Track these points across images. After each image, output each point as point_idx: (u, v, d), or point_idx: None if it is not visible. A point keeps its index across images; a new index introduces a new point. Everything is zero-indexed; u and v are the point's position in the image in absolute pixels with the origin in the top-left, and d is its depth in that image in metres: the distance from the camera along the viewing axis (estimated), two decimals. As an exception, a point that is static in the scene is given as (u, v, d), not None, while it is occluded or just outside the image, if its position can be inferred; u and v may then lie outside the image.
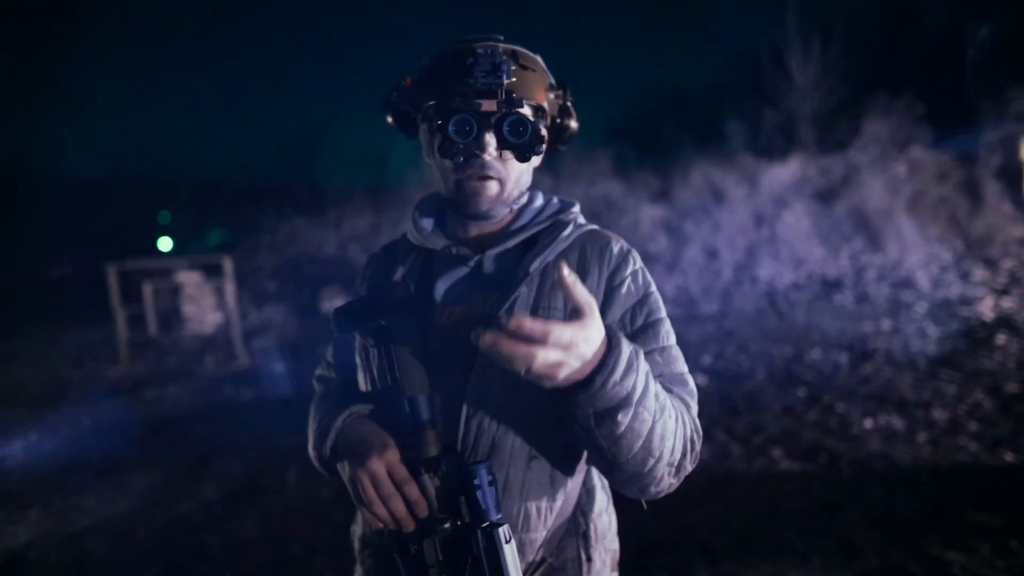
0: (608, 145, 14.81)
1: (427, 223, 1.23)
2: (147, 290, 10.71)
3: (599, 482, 1.18)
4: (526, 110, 1.08)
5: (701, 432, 1.05)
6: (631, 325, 1.10)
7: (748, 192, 11.80)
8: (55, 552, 3.73)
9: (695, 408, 1.08)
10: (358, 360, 1.21)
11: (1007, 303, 7.64)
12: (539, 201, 1.23)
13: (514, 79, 1.05)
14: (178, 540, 3.80)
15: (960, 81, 13.19)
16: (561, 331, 0.79)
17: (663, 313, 1.13)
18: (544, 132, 1.10)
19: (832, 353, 6.85)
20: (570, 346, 0.80)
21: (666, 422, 0.94)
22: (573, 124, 1.21)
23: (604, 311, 1.10)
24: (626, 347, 0.88)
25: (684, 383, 1.09)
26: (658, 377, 1.04)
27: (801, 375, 6.26)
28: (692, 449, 1.01)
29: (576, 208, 1.22)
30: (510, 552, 0.92)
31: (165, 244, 23.14)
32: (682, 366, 1.10)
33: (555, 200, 1.25)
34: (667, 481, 0.99)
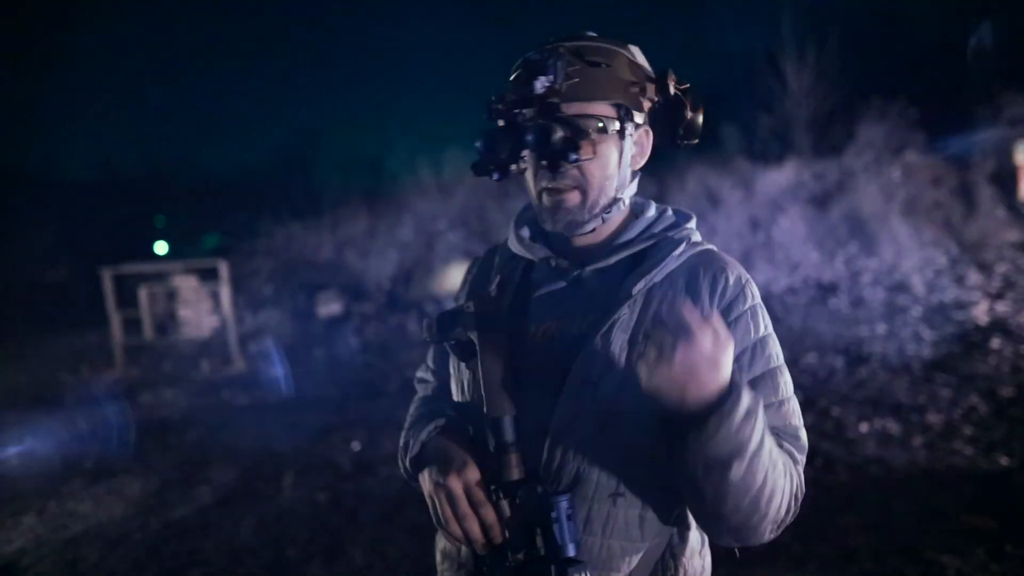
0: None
1: (525, 231, 1.17)
2: (143, 294, 10.68)
3: (693, 521, 1.07)
4: (594, 108, 1.01)
5: (804, 488, 1.00)
6: (748, 370, 1.01)
7: (743, 196, 11.83)
8: (49, 558, 3.71)
9: (802, 463, 1.01)
10: (451, 370, 1.17)
11: (1001, 307, 7.67)
12: (651, 212, 1.15)
13: (574, 79, 0.98)
14: (173, 545, 3.79)
15: (954, 86, 13.25)
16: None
17: (782, 359, 1.05)
18: (612, 129, 1.03)
19: (827, 357, 6.86)
20: (720, 344, 0.82)
21: (777, 479, 0.89)
22: (689, 114, 1.10)
23: None
24: (747, 394, 0.84)
25: (797, 438, 1.02)
26: (772, 430, 0.97)
27: (797, 379, 6.19)
28: (795, 506, 0.97)
29: (691, 224, 1.13)
30: None
31: (161, 248, 23.06)
32: (798, 419, 1.03)
33: (670, 212, 1.16)
34: (767, 537, 0.95)
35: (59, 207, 21.64)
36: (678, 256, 1.06)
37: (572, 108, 0.99)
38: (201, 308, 11.40)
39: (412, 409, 1.22)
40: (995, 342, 6.63)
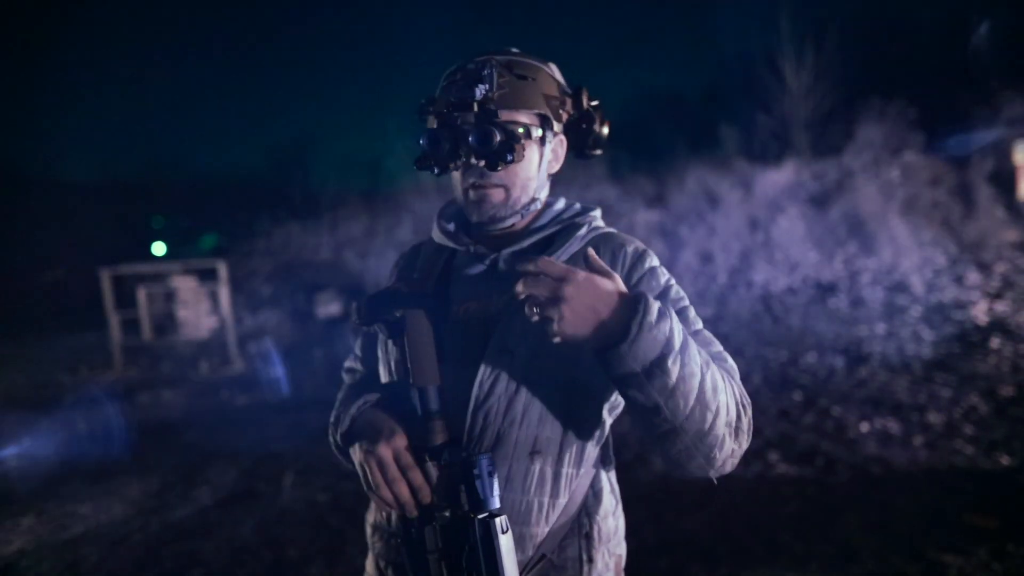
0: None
1: (450, 224, 1.27)
2: (141, 295, 10.67)
3: (607, 484, 1.19)
4: (519, 116, 1.11)
5: (749, 401, 1.05)
6: None
7: (742, 196, 11.83)
8: (49, 559, 3.70)
9: (739, 380, 1.08)
10: (380, 352, 1.26)
11: (1001, 307, 7.67)
12: (560, 205, 1.27)
13: (504, 90, 1.09)
14: (173, 546, 3.78)
15: (953, 85, 13.26)
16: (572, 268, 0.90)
17: (687, 301, 1.15)
18: (533, 137, 1.13)
19: (827, 357, 6.86)
20: (575, 278, 0.89)
21: (715, 375, 0.95)
22: (600, 128, 1.22)
23: None
24: (652, 299, 0.91)
25: (724, 359, 1.08)
26: None
27: (797, 379, 6.27)
28: (745, 413, 1.02)
29: (595, 212, 1.25)
30: (505, 542, 0.95)
31: (159, 249, 23.03)
32: (718, 345, 1.11)
33: (577, 205, 1.28)
34: (729, 445, 0.98)
35: (57, 208, 21.64)
36: (582, 238, 1.19)
37: (502, 115, 1.10)
38: (200, 309, 11.40)
39: (340, 393, 1.31)
40: (995, 342, 6.63)
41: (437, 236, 1.27)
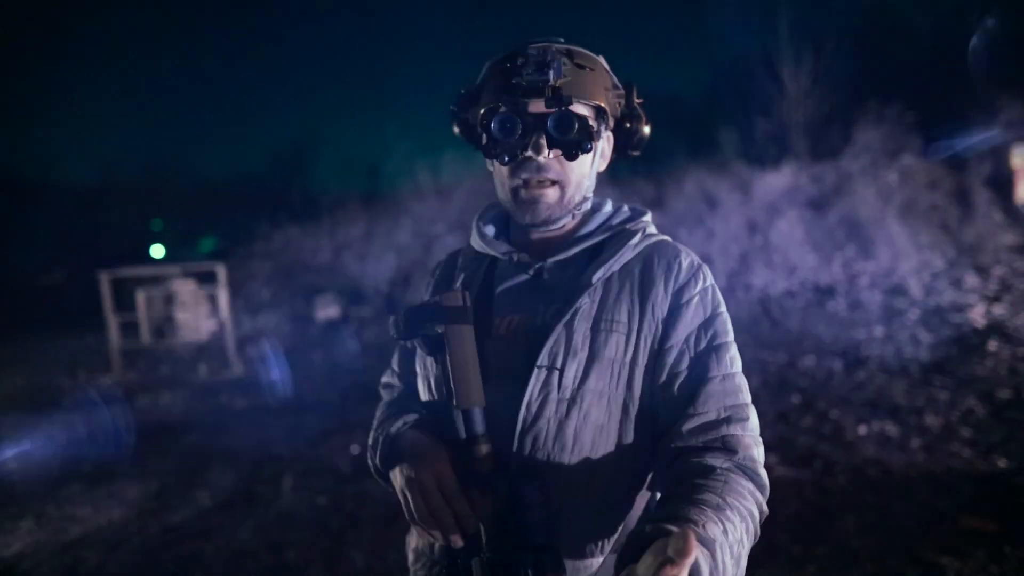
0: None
1: (489, 229, 1.20)
2: (140, 298, 10.65)
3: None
4: (579, 108, 1.04)
5: (768, 486, 0.96)
6: (695, 347, 1.03)
7: (741, 200, 11.84)
8: (48, 562, 3.70)
9: (759, 452, 0.98)
10: (418, 368, 1.18)
11: (998, 310, 7.68)
12: (608, 208, 1.19)
13: (567, 78, 1.02)
14: (172, 549, 3.79)
15: (951, 89, 13.29)
16: None
17: (730, 337, 1.06)
18: (596, 130, 1.06)
19: (826, 360, 6.87)
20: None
21: (743, 564, 0.84)
22: (644, 128, 1.15)
23: (668, 329, 1.04)
24: (705, 565, 0.74)
25: (745, 417, 1.00)
26: (720, 411, 0.98)
27: (795, 382, 6.27)
28: (760, 521, 0.92)
29: (647, 217, 1.17)
30: None
31: (157, 252, 23.00)
32: (745, 396, 1.02)
33: (625, 208, 1.20)
34: None
35: (57, 211, 21.62)
36: (634, 246, 1.09)
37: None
38: (199, 312, 11.38)
39: (379, 411, 1.23)
40: (992, 345, 6.64)
41: (476, 243, 1.19)
